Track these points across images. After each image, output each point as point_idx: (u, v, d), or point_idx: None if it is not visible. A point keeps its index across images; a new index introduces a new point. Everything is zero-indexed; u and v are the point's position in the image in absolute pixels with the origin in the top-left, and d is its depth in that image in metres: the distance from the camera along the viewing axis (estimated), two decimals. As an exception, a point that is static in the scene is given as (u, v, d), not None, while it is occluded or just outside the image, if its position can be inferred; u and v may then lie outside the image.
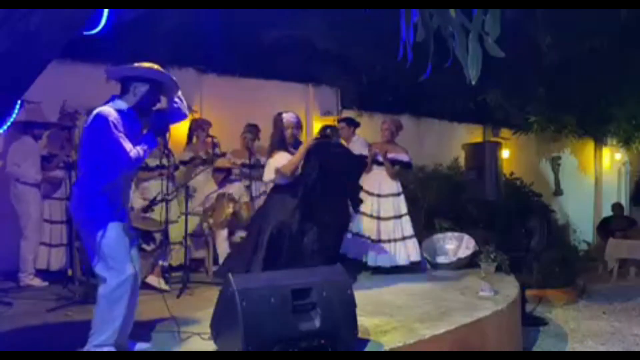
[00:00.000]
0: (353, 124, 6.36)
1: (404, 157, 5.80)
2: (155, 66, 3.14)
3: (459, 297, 4.66)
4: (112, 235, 2.94)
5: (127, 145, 2.92)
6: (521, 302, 5.12)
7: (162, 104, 3.32)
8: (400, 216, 5.75)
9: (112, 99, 3.08)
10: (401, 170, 5.84)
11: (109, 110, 2.95)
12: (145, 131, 3.11)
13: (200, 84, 6.98)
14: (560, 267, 7.13)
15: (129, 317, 3.04)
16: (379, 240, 5.66)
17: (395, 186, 5.79)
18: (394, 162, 5.75)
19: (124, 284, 2.95)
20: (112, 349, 2.92)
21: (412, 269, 5.71)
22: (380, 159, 5.76)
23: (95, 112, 2.95)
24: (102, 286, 2.95)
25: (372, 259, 5.65)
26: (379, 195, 5.75)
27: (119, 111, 2.99)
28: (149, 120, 3.14)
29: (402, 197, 5.83)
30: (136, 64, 3.08)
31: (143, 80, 3.08)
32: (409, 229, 5.78)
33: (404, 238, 5.71)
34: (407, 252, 5.68)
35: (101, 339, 2.91)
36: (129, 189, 3.30)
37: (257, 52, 7.06)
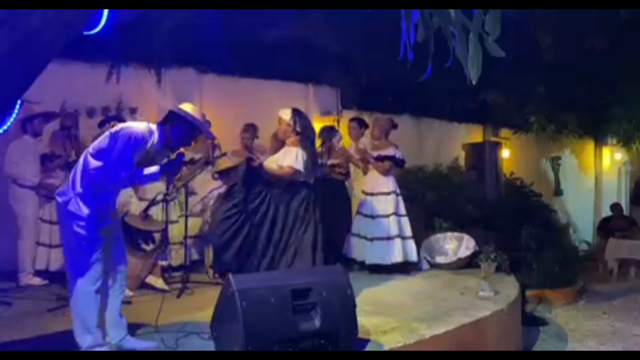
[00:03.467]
0: (364, 125, 6.42)
1: (389, 152, 5.81)
2: (198, 114, 3.22)
3: (459, 297, 4.66)
4: (89, 231, 2.94)
5: (129, 166, 2.98)
6: (521, 302, 5.12)
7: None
8: (398, 215, 5.74)
9: (156, 129, 3.13)
10: (392, 166, 5.83)
11: (137, 130, 3.01)
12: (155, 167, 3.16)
13: (200, 84, 6.97)
14: (560, 267, 7.12)
15: (115, 315, 3.08)
16: (373, 239, 5.68)
17: (387, 184, 5.79)
18: (381, 158, 5.78)
19: (93, 283, 2.95)
20: (105, 348, 2.92)
21: (408, 269, 5.73)
22: (369, 158, 5.83)
23: (126, 125, 3.05)
24: (70, 283, 2.96)
25: (368, 257, 5.68)
26: (372, 194, 5.80)
27: (150, 134, 3.05)
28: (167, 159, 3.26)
29: (399, 197, 5.83)
30: (190, 110, 3.17)
31: (184, 122, 3.14)
32: (407, 230, 5.79)
33: (402, 238, 5.71)
34: (403, 251, 5.69)
35: (88, 342, 2.91)
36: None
37: (257, 52, 7.05)
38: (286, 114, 4.39)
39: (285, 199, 4.21)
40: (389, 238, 5.65)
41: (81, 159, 3.07)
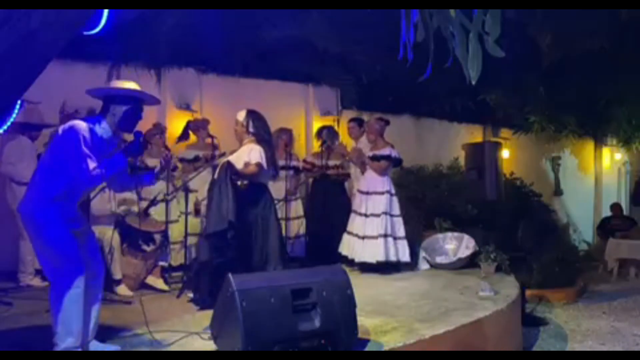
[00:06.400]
0: (363, 124, 6.44)
1: (385, 152, 5.84)
2: (134, 84, 3.17)
3: (459, 297, 4.66)
4: (63, 237, 2.92)
5: (92, 164, 2.92)
6: (521, 302, 5.12)
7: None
8: (390, 214, 5.77)
9: (99, 119, 3.10)
10: (388, 165, 5.86)
11: (82, 125, 2.98)
12: (115, 150, 3.10)
13: (200, 84, 6.98)
14: (560, 267, 7.12)
15: (89, 319, 3.06)
16: (365, 237, 5.71)
17: (382, 184, 5.81)
18: (377, 158, 5.82)
19: (77, 285, 2.92)
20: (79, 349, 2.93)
21: (400, 268, 5.78)
22: (365, 158, 5.88)
23: (70, 123, 2.99)
24: (53, 288, 2.95)
25: (358, 255, 5.72)
26: (367, 193, 5.84)
27: (93, 129, 3.01)
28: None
29: (393, 197, 5.85)
30: (117, 83, 3.13)
31: (123, 100, 3.11)
32: (400, 230, 5.82)
33: (394, 237, 5.74)
34: (396, 250, 5.72)
35: (65, 344, 2.90)
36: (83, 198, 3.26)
37: (257, 52, 7.06)
38: (240, 115, 4.45)
39: (252, 205, 4.24)
40: (379, 237, 5.67)
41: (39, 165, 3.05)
